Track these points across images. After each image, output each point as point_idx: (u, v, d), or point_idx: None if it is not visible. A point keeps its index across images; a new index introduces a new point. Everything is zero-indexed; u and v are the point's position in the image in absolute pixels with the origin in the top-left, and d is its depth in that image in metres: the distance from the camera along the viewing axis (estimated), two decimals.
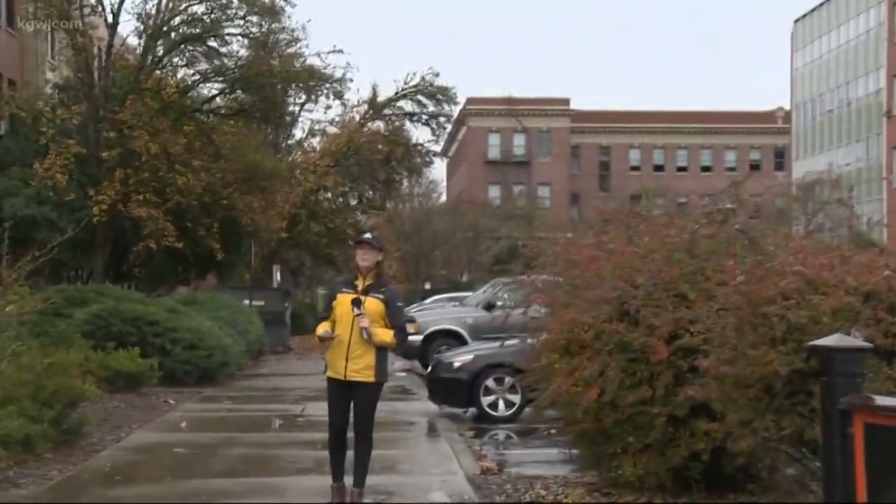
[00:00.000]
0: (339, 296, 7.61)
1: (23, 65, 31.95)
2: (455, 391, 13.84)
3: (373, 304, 7.52)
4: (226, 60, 27.95)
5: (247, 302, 26.67)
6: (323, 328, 7.61)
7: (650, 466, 7.70)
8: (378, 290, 7.60)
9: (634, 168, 74.65)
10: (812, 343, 5.67)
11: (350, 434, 7.73)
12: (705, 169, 74.65)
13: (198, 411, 14.30)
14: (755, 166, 72.82)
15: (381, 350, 7.60)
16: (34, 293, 12.05)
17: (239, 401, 15.86)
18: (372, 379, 7.57)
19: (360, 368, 7.52)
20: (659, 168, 74.77)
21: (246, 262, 32.61)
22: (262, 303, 28.07)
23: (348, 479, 7.73)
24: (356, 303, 7.46)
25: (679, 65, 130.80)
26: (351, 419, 7.71)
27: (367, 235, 7.82)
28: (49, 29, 28.94)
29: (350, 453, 7.76)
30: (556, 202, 70.65)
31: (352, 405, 7.63)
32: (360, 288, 7.58)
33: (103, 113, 25.37)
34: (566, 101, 73.88)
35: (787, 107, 69.35)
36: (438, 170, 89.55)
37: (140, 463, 10.05)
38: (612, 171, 74.91)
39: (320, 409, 14.33)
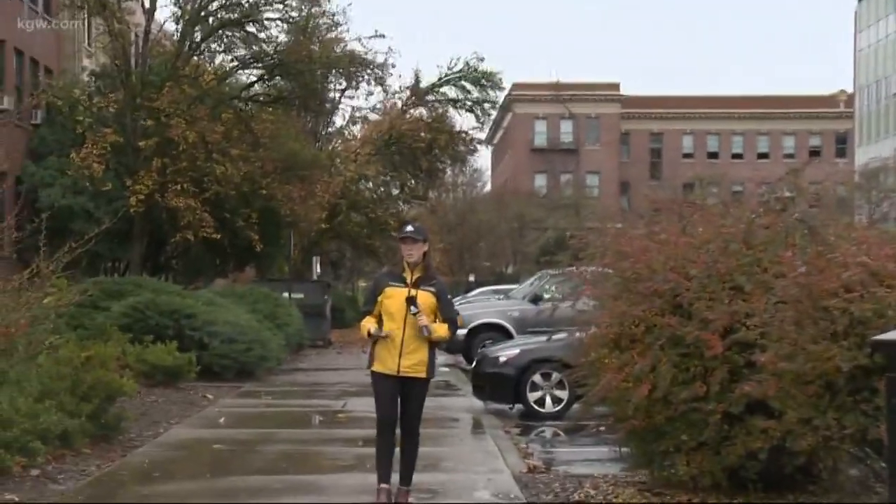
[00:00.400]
0: (387, 290, 7.62)
1: (59, 52, 32.36)
2: (500, 387, 13.83)
3: (425, 297, 7.56)
4: (264, 46, 28.09)
5: (286, 294, 26.84)
6: (370, 324, 7.62)
7: (704, 465, 7.64)
8: (428, 283, 7.63)
9: (687, 155, 74.04)
10: (876, 338, 5.58)
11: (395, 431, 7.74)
12: (762, 156, 73.86)
13: (236, 407, 14.42)
14: (815, 153, 71.86)
15: (433, 346, 7.69)
16: (71, 285, 12.23)
17: (278, 396, 15.97)
18: (424, 375, 7.64)
19: (414, 364, 7.57)
20: (713, 155, 74.06)
21: (285, 253, 32.87)
22: (302, 295, 28.22)
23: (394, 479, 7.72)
24: (411, 301, 7.49)
25: (734, 47, 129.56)
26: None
27: (409, 228, 7.72)
28: (86, 15, 29.28)
29: (395, 451, 7.76)
30: (604, 191, 70.31)
31: (399, 402, 7.66)
32: (409, 281, 7.60)
33: (140, 101, 25.63)
34: (616, 86, 73.42)
35: (850, 90, 68.32)
36: (483, 158, 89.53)
37: (178, 459, 10.16)
38: (663, 158, 74.36)
39: (361, 405, 14.43)
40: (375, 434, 7.74)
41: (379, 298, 7.66)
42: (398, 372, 7.57)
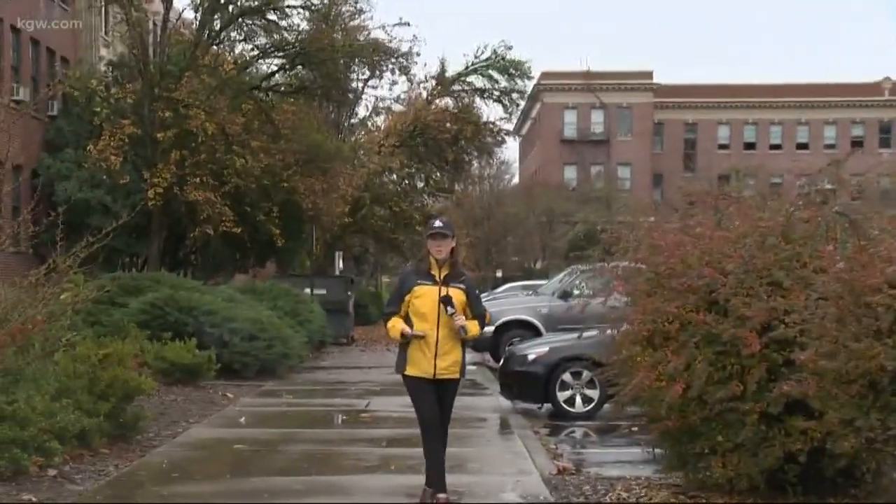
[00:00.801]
0: (416, 288, 7.62)
1: (76, 41, 32.57)
2: (529, 386, 13.84)
3: (456, 295, 7.60)
4: (286, 34, 28.13)
5: (308, 290, 26.93)
6: (400, 324, 7.61)
7: (741, 468, 7.61)
8: (457, 279, 7.67)
9: (723, 146, 73.58)
10: None
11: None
12: (802, 146, 73.28)
13: (257, 406, 14.49)
14: (858, 143, 71.29)
15: (464, 344, 7.76)
16: (88, 281, 12.31)
17: (300, 395, 16.04)
18: (457, 375, 7.72)
19: (449, 365, 7.63)
20: (750, 146, 73.58)
21: (307, 248, 32.97)
22: (324, 291, 28.30)
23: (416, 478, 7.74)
24: (447, 302, 7.51)
25: (773, 33, 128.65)
26: None
27: (438, 223, 7.72)
28: (103, 3, 29.45)
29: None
30: (637, 183, 70.07)
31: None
32: (438, 279, 7.61)
33: (158, 91, 25.75)
34: (649, 75, 73.09)
35: (895, 77, 67.75)
36: (511, 150, 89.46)
37: (198, 459, 10.22)
38: (698, 149, 73.96)
39: (386, 404, 14.47)
40: (422, 438, 7.76)
41: (406, 298, 7.64)
42: (434, 375, 7.60)
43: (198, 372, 16.03)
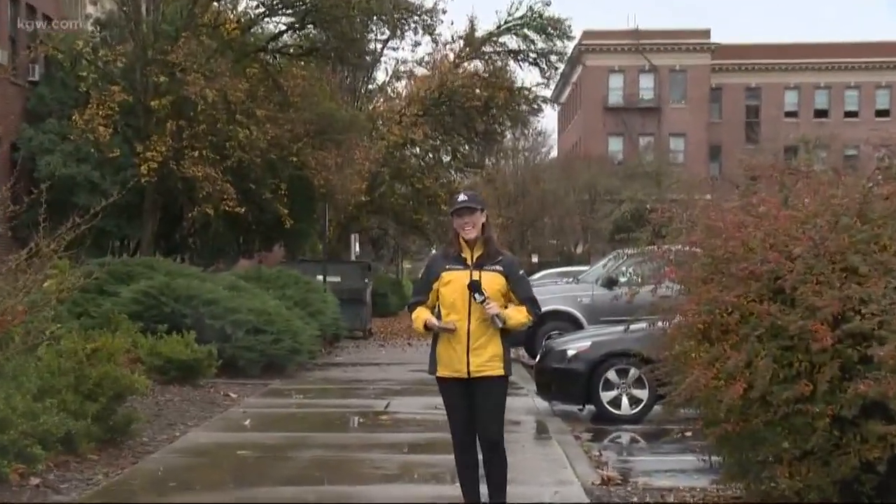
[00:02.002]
0: (444, 274, 7.31)
1: None
2: (569, 385, 13.84)
3: (491, 279, 7.26)
4: None
5: (320, 278, 27.01)
6: (425, 314, 7.34)
7: (811, 478, 7.57)
8: (493, 260, 7.32)
9: (790, 114, 73.16)
10: None
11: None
12: (881, 113, 72.69)
13: (263, 407, 14.55)
14: None
15: (508, 335, 7.37)
16: (75, 267, 12.38)
17: (311, 395, 16.09)
18: (501, 371, 7.33)
19: (486, 361, 7.26)
20: (821, 113, 73.09)
21: (319, 230, 33.04)
22: (339, 278, 28.38)
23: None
24: (475, 288, 7.16)
25: None
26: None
27: (462, 197, 7.42)
28: None
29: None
30: (691, 156, 69.78)
31: (473, 408, 7.35)
32: (469, 261, 7.31)
33: (152, 54, 25.81)
34: (706, 34, 72.68)
35: None
36: (548, 119, 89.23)
37: (197, 467, 10.28)
38: (762, 117, 73.55)
39: (407, 406, 14.50)
40: (454, 454, 7.54)
41: (434, 286, 7.37)
42: (468, 374, 7.25)
43: (197, 369, 16.10)
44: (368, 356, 23.74)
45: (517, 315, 7.30)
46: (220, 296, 18.16)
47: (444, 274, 7.34)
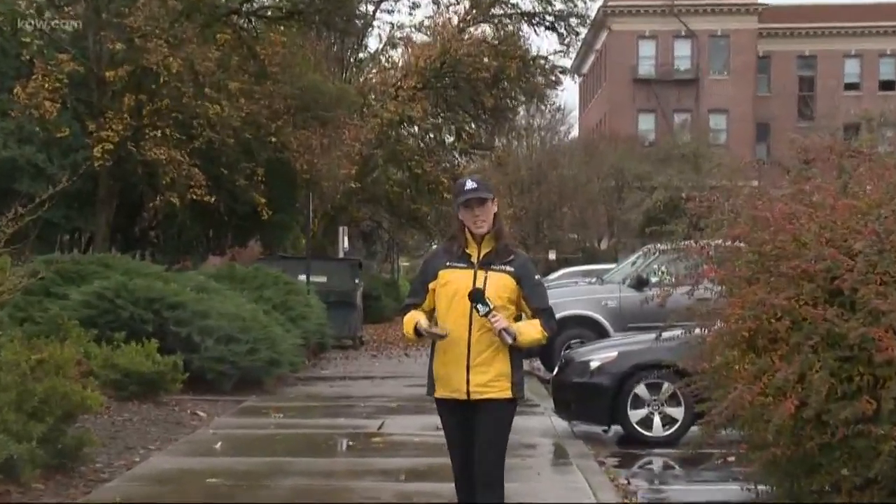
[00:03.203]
0: (442, 273, 7.06)
1: None
2: (592, 402, 13.83)
3: (500, 283, 6.99)
4: None
5: (303, 277, 27.00)
6: (416, 320, 7.05)
7: None
8: (503, 259, 7.07)
9: (851, 86, 73.08)
10: None
11: None
12: None
13: (237, 427, 14.54)
14: None
15: (518, 351, 7.06)
16: (17, 265, 12.35)
17: (293, 413, 16.09)
18: (508, 394, 7.02)
19: (490, 380, 6.98)
20: (887, 85, 72.96)
21: (301, 222, 33.00)
22: (324, 278, 28.36)
23: None
24: (477, 298, 6.88)
25: None
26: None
27: (471, 185, 7.10)
28: None
29: None
30: (735, 136, 69.74)
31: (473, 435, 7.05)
32: (474, 259, 7.06)
33: (107, 16, 25.77)
34: None
35: None
36: (568, 93, 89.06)
37: (160, 497, 10.26)
38: (817, 90, 73.48)
39: (403, 426, 14.49)
40: (455, 488, 7.28)
41: (431, 286, 7.13)
42: (467, 394, 6.98)
43: (159, 384, 16.08)
44: (359, 369, 23.72)
45: (530, 330, 6.99)
46: (187, 298, 18.14)
47: (442, 272, 7.08)
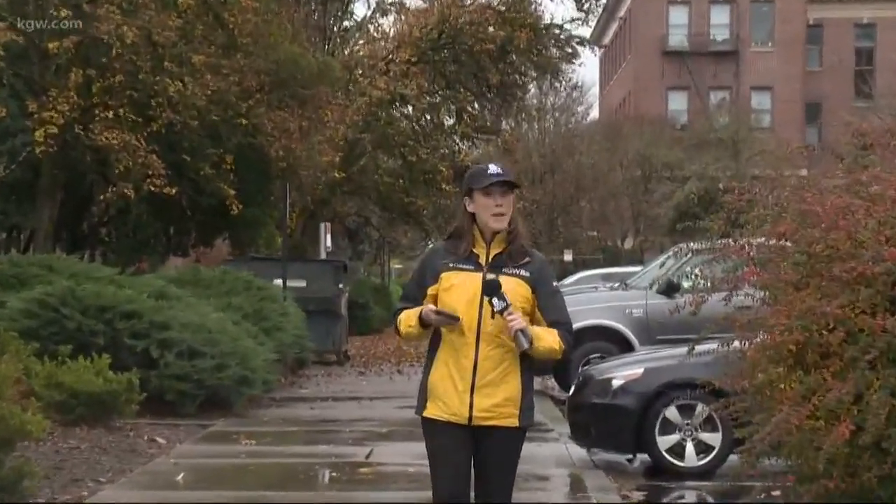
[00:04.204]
0: (446, 276, 6.98)
1: None
2: (614, 426, 13.83)
3: (513, 289, 6.89)
4: None
5: (279, 281, 26.99)
6: (419, 310, 6.95)
7: None
8: (517, 262, 6.99)
9: None
10: None
11: None
12: None
13: (201, 456, 14.54)
14: None
15: (530, 371, 7.04)
16: None
17: (267, 440, 16.08)
18: (516, 422, 6.98)
19: (498, 404, 6.92)
20: None
21: (277, 218, 32.99)
22: (304, 283, 28.35)
23: None
24: (492, 291, 6.78)
25: None
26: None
27: (497, 169, 7.02)
28: None
29: None
30: (781, 117, 69.76)
31: (474, 467, 7.00)
32: (482, 260, 6.98)
33: None
34: None
35: None
36: (588, 68, 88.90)
37: None
38: (876, 64, 73.48)
39: (396, 454, 14.49)
40: None
41: (431, 291, 7.04)
42: (470, 419, 6.91)
43: (112, 405, 16.07)
44: (344, 388, 23.71)
45: (547, 337, 6.90)
46: (144, 306, 18.12)
47: (446, 275, 6.99)
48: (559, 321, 7.01)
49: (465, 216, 7.05)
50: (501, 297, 6.76)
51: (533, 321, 6.97)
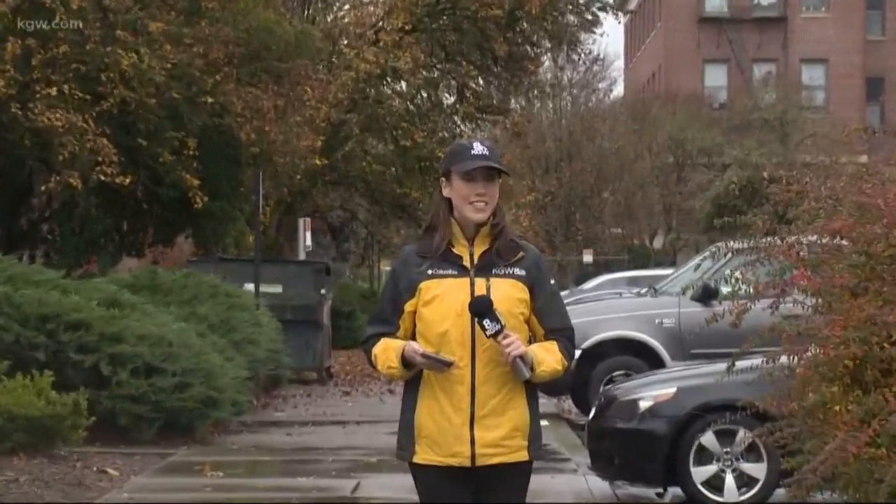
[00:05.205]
0: (425, 285, 6.75)
1: None
2: (642, 455, 13.85)
3: (508, 293, 6.72)
4: None
5: (251, 287, 27.00)
6: (401, 346, 6.70)
7: None
8: (508, 260, 6.78)
9: None
10: None
11: None
12: None
13: (160, 490, 14.57)
14: None
15: (535, 390, 6.88)
16: None
17: (237, 471, 16.10)
18: (525, 455, 6.80)
19: (504, 437, 6.72)
20: None
21: (248, 212, 32.99)
22: (280, 288, 28.35)
23: None
24: (483, 309, 6.56)
25: None
26: None
27: (481, 149, 6.76)
28: None
29: None
30: (837, 95, 69.79)
31: None
32: (466, 261, 6.76)
33: None
34: None
35: None
36: (611, 38, 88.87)
37: None
38: None
39: (387, 487, 14.51)
40: None
41: (408, 307, 6.87)
42: (472, 459, 6.70)
43: (55, 431, 16.08)
44: (326, 411, 23.73)
45: (549, 359, 6.74)
46: (93, 315, 18.14)
47: (425, 284, 6.77)
48: (559, 329, 6.85)
49: (441, 202, 6.88)
50: (494, 318, 6.54)
51: (532, 328, 6.83)
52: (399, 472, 15.45)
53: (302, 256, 35.54)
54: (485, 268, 6.74)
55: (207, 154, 28.25)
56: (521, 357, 6.55)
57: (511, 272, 6.74)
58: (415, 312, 6.78)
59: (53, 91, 25.47)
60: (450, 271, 6.74)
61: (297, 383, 27.66)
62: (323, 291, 29.70)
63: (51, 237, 31.16)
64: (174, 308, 21.49)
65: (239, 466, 16.49)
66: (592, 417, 15.04)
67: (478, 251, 6.78)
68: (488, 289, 6.67)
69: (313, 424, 21.54)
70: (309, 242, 36.80)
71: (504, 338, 6.52)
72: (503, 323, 6.53)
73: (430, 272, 6.75)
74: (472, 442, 6.67)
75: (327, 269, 31.48)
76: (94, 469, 15.63)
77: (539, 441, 6.86)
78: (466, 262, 6.75)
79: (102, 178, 25.64)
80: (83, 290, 19.59)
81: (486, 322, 6.51)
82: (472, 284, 6.70)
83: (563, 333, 6.84)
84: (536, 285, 6.79)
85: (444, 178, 6.84)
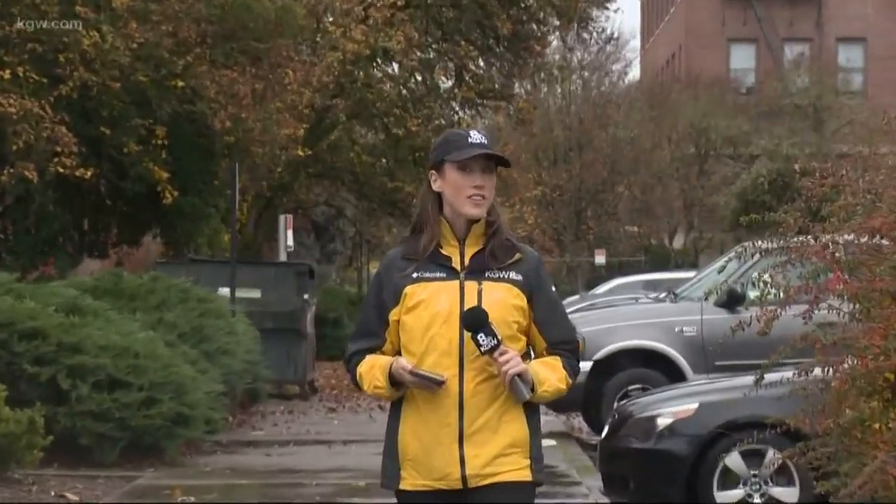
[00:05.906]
0: (410, 290, 6.67)
1: None
2: (660, 478, 13.95)
3: (503, 300, 6.61)
4: None
5: (225, 291, 27.00)
6: (388, 362, 6.61)
7: None
8: (503, 260, 6.68)
9: None
10: None
11: None
12: None
13: None
14: None
15: (536, 409, 6.79)
16: None
17: (210, 496, 16.14)
18: (528, 474, 6.70)
19: (498, 455, 6.62)
20: None
21: (223, 208, 33.01)
22: (258, 293, 28.35)
23: None
24: (477, 323, 6.44)
25: None
26: None
27: (479, 137, 6.67)
28: None
29: None
30: (876, 79, 69.86)
31: None
32: (456, 263, 6.68)
33: None
34: None
35: None
36: (626, 16, 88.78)
37: None
38: None
39: None
40: None
41: (393, 316, 6.73)
42: (464, 481, 6.64)
43: (8, 451, 16.10)
44: (310, 429, 23.73)
45: (551, 377, 6.65)
46: (50, 323, 18.15)
47: (410, 289, 6.70)
48: (563, 342, 6.76)
49: (429, 198, 6.79)
50: (490, 332, 6.44)
51: (532, 340, 6.75)
52: (390, 497, 15.49)
53: (283, 258, 35.55)
54: (477, 270, 6.66)
55: (178, 144, 28.26)
56: (520, 375, 6.47)
57: (506, 276, 6.65)
58: (399, 321, 6.70)
59: (7, 74, 25.51)
60: (437, 274, 6.67)
61: (277, 398, 27.68)
62: (306, 296, 29.72)
63: (3, 236, 31.18)
64: (140, 315, 21.47)
65: (212, 490, 16.50)
66: (605, 436, 15.06)
67: (469, 252, 6.71)
68: (480, 293, 6.59)
69: (295, 444, 21.55)
70: (290, 242, 36.80)
71: (501, 354, 6.43)
72: (500, 338, 6.44)
73: (415, 275, 6.68)
74: (462, 462, 6.59)
75: (311, 271, 31.47)
76: (52, 494, 15.65)
77: (540, 464, 6.74)
78: (456, 264, 6.69)
79: (61, 170, 25.65)
80: (39, 295, 19.59)
81: (481, 337, 6.42)
82: (462, 288, 6.63)
83: (566, 347, 6.77)
84: (536, 292, 6.70)
85: (433, 171, 6.76)
